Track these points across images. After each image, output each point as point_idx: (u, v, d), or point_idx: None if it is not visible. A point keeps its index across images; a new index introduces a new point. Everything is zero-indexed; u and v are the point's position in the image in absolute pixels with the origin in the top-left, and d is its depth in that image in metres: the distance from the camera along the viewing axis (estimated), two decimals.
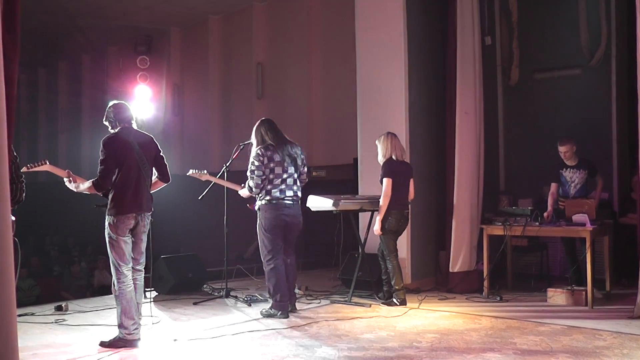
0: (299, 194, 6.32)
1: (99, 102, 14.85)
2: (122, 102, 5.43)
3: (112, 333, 5.18)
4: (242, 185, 6.53)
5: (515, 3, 9.24)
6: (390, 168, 6.79)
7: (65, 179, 5.20)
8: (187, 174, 6.79)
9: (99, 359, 4.78)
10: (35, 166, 5.10)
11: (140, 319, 5.17)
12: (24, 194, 4.31)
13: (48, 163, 5.16)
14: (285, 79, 12.95)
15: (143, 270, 5.28)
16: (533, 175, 8.51)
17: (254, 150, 6.19)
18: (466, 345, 5.08)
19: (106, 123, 5.29)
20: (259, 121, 6.35)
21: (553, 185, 7.44)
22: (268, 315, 6.15)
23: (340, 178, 10.90)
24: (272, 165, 6.09)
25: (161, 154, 5.36)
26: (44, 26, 14.42)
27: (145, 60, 11.82)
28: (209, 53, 14.52)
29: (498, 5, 9.37)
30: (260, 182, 6.07)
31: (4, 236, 3.28)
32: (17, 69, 4.00)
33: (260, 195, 6.16)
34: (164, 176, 5.37)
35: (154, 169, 5.31)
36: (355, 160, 8.59)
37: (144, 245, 5.24)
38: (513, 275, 7.96)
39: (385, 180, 6.77)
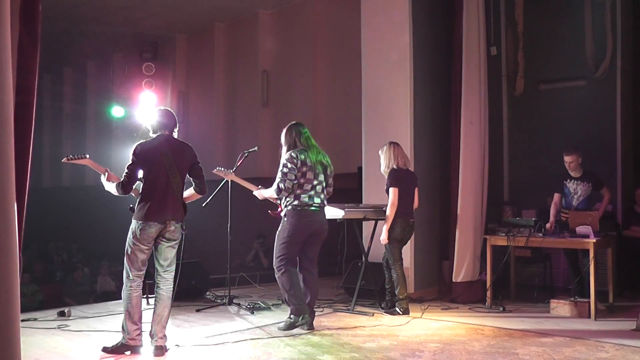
0: (326, 202, 6.16)
1: (104, 109, 14.93)
2: (168, 109, 5.43)
3: (115, 339, 5.17)
4: (259, 186, 6.43)
5: (521, 14, 9.25)
6: (396, 177, 6.79)
7: (102, 176, 5.20)
8: (213, 171, 6.70)
9: None
10: (75, 158, 5.13)
11: (164, 329, 5.12)
12: None
13: (88, 157, 5.16)
14: (290, 87, 12.97)
15: (171, 280, 5.20)
16: (537, 186, 8.50)
17: (286, 153, 6.01)
18: (468, 355, 5.07)
19: (148, 127, 5.32)
20: (291, 124, 6.17)
21: (556, 196, 7.44)
22: (288, 327, 5.87)
23: (344, 187, 10.88)
24: (304, 169, 5.93)
25: (199, 165, 5.32)
26: (49, 32, 14.45)
27: (150, 67, 11.87)
28: (215, 60, 14.56)
29: (504, 16, 9.39)
30: (290, 186, 5.88)
31: (9, 244, 3.28)
32: (36, 80, 4.04)
33: (287, 199, 5.97)
34: (199, 187, 5.31)
35: (191, 179, 5.27)
36: (360, 169, 8.60)
37: (171, 253, 5.17)
38: (516, 285, 7.96)
39: (391, 189, 6.76)
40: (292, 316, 5.93)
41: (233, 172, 6.77)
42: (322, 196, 6.09)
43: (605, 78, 8.69)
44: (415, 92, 7.96)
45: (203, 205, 7.05)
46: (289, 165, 5.89)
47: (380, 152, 7.01)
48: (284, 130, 6.14)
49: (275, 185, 5.95)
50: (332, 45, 12.31)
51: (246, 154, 6.86)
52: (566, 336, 5.76)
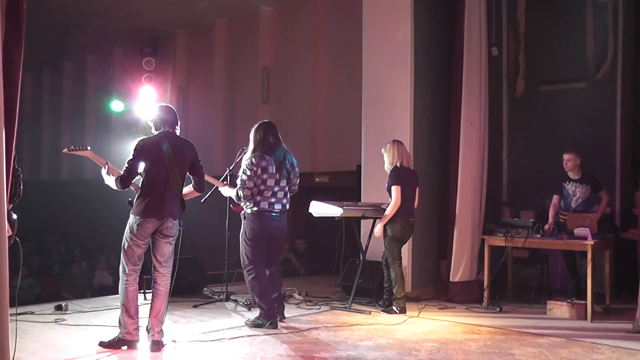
0: (287, 206, 6.12)
1: (103, 103, 14.93)
2: (169, 105, 5.43)
3: (112, 334, 5.16)
4: (225, 182, 6.43)
5: (523, 15, 9.25)
6: (398, 175, 6.79)
7: (102, 169, 5.20)
8: None
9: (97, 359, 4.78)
10: (76, 149, 5.14)
11: (161, 324, 5.12)
12: (21, 187, 4.34)
13: (89, 149, 5.16)
14: (290, 84, 12.96)
15: (168, 275, 5.19)
16: (536, 187, 8.50)
17: (248, 156, 5.98)
18: (465, 355, 5.07)
19: (150, 124, 5.31)
20: (258, 124, 6.11)
21: (555, 197, 7.47)
22: (255, 326, 5.93)
23: (343, 185, 10.90)
24: (264, 176, 5.88)
25: (199, 163, 5.32)
26: (49, 26, 14.45)
27: (150, 62, 11.87)
28: (215, 56, 14.55)
29: (506, 17, 9.39)
30: (249, 194, 5.87)
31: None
32: (20, 71, 4.03)
33: (247, 204, 5.98)
34: (198, 185, 5.32)
35: (191, 176, 5.28)
36: (359, 167, 8.59)
37: (168, 249, 5.16)
38: (513, 286, 7.96)
39: (394, 188, 6.75)
40: (261, 319, 5.96)
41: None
42: (284, 201, 6.06)
43: (606, 80, 8.69)
44: (415, 91, 7.95)
45: (202, 201, 7.05)
46: (248, 172, 5.86)
47: (383, 150, 7.00)
48: (252, 130, 6.09)
49: (234, 192, 5.99)
50: (332, 43, 12.31)
51: (245, 150, 6.82)
52: (562, 337, 5.77)
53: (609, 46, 8.62)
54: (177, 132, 5.30)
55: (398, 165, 6.84)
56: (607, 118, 8.63)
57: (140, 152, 5.05)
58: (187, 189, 5.30)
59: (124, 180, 5.05)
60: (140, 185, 5.08)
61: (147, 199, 5.01)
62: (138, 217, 4.99)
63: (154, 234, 5.08)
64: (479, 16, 7.88)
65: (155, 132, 5.23)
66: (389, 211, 6.75)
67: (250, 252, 5.99)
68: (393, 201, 6.74)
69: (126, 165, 5.04)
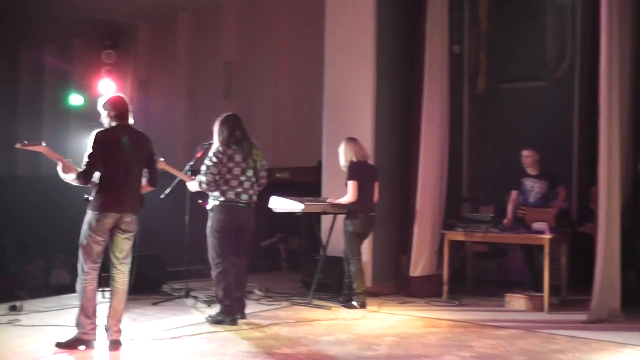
0: (255, 198, 6.07)
1: (61, 96, 14.63)
2: (120, 95, 5.29)
3: (69, 334, 5.04)
4: (193, 177, 6.34)
5: (484, 13, 9.34)
6: (355, 170, 6.80)
7: (58, 165, 5.03)
8: None
9: None
10: (30, 145, 4.94)
11: (120, 323, 5.04)
12: None
13: (44, 145, 5.00)
14: (253, 79, 12.89)
15: (126, 272, 5.09)
16: (495, 182, 8.61)
17: (215, 146, 5.94)
18: (424, 348, 5.11)
19: (103, 116, 5.12)
20: (224, 117, 6.06)
21: (513, 193, 7.60)
22: (215, 322, 5.86)
23: (303, 180, 10.88)
24: (230, 165, 5.84)
25: (155, 157, 5.23)
26: (4, 15, 14.08)
27: (111, 55, 11.71)
28: (177, 50, 14.36)
29: (467, 15, 9.46)
30: (212, 180, 5.80)
31: None
32: None
33: (214, 195, 5.91)
34: (152, 180, 5.22)
35: (146, 170, 5.17)
36: (320, 163, 8.59)
37: (127, 245, 5.06)
38: (473, 280, 8.06)
39: (350, 183, 6.76)
40: (221, 315, 5.90)
41: (164, 160, 6.60)
42: (251, 192, 6.00)
43: (565, 79, 8.84)
44: (377, 87, 7.97)
45: (161, 197, 6.96)
46: (214, 159, 5.82)
47: (339, 150, 7.01)
48: (218, 122, 6.03)
49: (197, 178, 5.91)
50: (296, 39, 12.27)
51: (205, 146, 6.76)
52: (520, 329, 5.88)
53: (568, 46, 8.78)
54: (132, 121, 5.18)
55: (354, 160, 6.85)
56: (565, 116, 8.78)
57: (100, 145, 4.92)
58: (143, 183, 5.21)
59: (86, 174, 4.89)
60: (98, 180, 4.97)
61: (106, 194, 4.90)
62: (97, 213, 4.87)
63: (112, 230, 4.97)
64: (441, 14, 7.95)
65: (111, 125, 5.08)
66: (341, 201, 6.79)
67: (218, 245, 5.89)
68: (349, 197, 6.75)
69: (87, 159, 4.89)
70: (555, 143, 8.58)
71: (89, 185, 5.00)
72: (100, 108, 5.13)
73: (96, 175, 4.95)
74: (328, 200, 6.99)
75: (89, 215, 4.92)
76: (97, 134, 4.96)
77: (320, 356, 4.82)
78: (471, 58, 9.54)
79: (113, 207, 4.90)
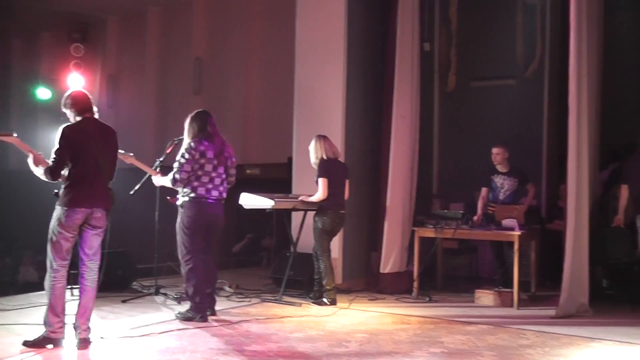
0: (224, 195, 6.05)
1: (29, 90, 14.37)
2: (82, 90, 5.20)
3: (37, 332, 4.94)
4: (158, 171, 6.30)
5: (455, 12, 9.41)
6: (326, 168, 6.79)
7: (29, 158, 4.93)
8: None
9: None
10: (0, 135, 4.84)
11: (89, 321, 4.95)
12: None
13: (15, 136, 4.88)
14: (223, 75, 12.82)
15: (96, 270, 5.00)
16: (465, 180, 8.68)
17: (187, 142, 5.90)
18: (395, 345, 5.13)
19: (66, 111, 5.02)
20: (195, 113, 6.02)
21: (483, 190, 7.67)
22: (185, 319, 5.84)
23: (274, 176, 10.86)
24: (202, 161, 5.81)
25: (118, 150, 5.15)
26: None
27: (79, 48, 11.55)
28: (147, 45, 14.21)
29: (438, 13, 9.52)
30: (186, 177, 5.78)
31: None
32: None
33: (184, 191, 5.88)
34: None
35: None
36: (290, 159, 8.57)
37: (96, 241, 4.97)
38: (443, 276, 8.12)
39: (320, 180, 6.76)
40: (191, 312, 5.88)
41: (133, 155, 6.53)
42: (221, 189, 5.99)
43: (534, 78, 8.97)
44: (348, 84, 7.98)
45: (131, 193, 6.89)
46: (187, 155, 5.79)
47: (309, 147, 7.00)
48: (188, 118, 5.99)
49: (171, 175, 5.87)
50: (266, 34, 12.23)
51: (176, 141, 6.70)
52: (490, 324, 5.94)
53: (537, 45, 8.90)
54: (96, 115, 5.09)
55: (325, 157, 6.85)
56: (534, 114, 8.90)
57: (68, 139, 4.83)
58: None
59: (54, 170, 4.80)
60: (67, 175, 4.88)
61: (76, 189, 4.81)
62: (66, 208, 4.78)
63: (82, 226, 4.89)
64: (412, 12, 7.97)
65: (77, 119, 4.99)
66: (312, 199, 6.80)
67: (189, 242, 5.86)
68: (319, 194, 6.75)
69: (54, 155, 4.80)
70: (524, 141, 8.68)
71: (59, 180, 4.92)
72: (62, 107, 5.04)
73: (66, 170, 4.86)
74: (300, 198, 6.97)
75: (58, 210, 4.83)
76: (64, 129, 4.86)
77: (291, 353, 4.80)
78: (442, 56, 9.61)
79: (83, 203, 4.83)
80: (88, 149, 4.86)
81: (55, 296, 4.82)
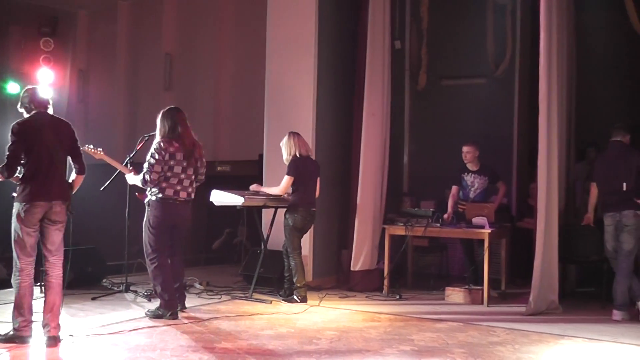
0: (192, 196, 6.04)
1: None
2: (36, 86, 5.18)
3: (4, 330, 4.90)
4: (131, 169, 6.27)
5: (426, 10, 9.44)
6: (296, 166, 6.77)
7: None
8: (81, 148, 6.41)
9: None
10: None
11: (57, 318, 4.88)
12: None
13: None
14: (194, 71, 12.76)
15: (60, 265, 4.94)
16: (436, 178, 8.74)
17: (157, 141, 5.85)
18: (365, 342, 5.15)
19: (21, 110, 5.01)
20: (167, 110, 5.96)
21: (454, 188, 7.72)
22: (155, 316, 5.81)
23: (244, 173, 10.83)
24: (172, 162, 5.78)
25: (77, 143, 5.10)
26: None
27: (49, 43, 11.36)
28: (117, 40, 14.09)
29: (409, 11, 9.55)
30: (156, 178, 5.75)
31: None
32: None
33: (152, 190, 5.86)
34: (79, 167, 5.08)
35: (70, 158, 5.05)
36: (261, 156, 8.54)
37: (58, 236, 4.92)
38: (413, 274, 8.16)
39: (286, 177, 6.75)
40: (161, 309, 5.85)
41: (102, 151, 6.47)
42: (190, 189, 5.98)
43: (504, 77, 9.06)
44: (319, 81, 7.97)
45: (101, 189, 6.82)
46: (157, 156, 5.75)
47: (281, 144, 6.98)
48: (160, 116, 5.94)
49: (141, 175, 5.84)
50: (237, 31, 12.20)
51: (146, 138, 6.65)
52: (460, 322, 5.98)
53: (508, 45, 8.99)
54: (51, 111, 5.05)
55: (297, 155, 6.84)
56: (505, 113, 8.99)
57: (20, 135, 4.78)
58: (72, 177, 5.09)
59: (10, 167, 4.76)
60: (21, 171, 4.82)
61: (32, 184, 4.77)
62: (24, 204, 4.74)
63: (42, 222, 4.84)
64: (383, 9, 7.99)
65: (28, 115, 4.96)
66: (274, 191, 6.83)
67: (154, 240, 5.86)
68: (279, 189, 6.77)
69: (8, 152, 4.75)
70: (495, 139, 8.76)
71: (12, 180, 4.85)
72: (18, 104, 5.01)
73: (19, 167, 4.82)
74: (252, 187, 6.94)
75: (17, 207, 4.79)
76: (15, 125, 4.83)
77: (261, 350, 4.80)
78: (412, 54, 9.64)
79: (41, 196, 4.79)
80: (40, 142, 4.83)
81: (20, 295, 4.79)
